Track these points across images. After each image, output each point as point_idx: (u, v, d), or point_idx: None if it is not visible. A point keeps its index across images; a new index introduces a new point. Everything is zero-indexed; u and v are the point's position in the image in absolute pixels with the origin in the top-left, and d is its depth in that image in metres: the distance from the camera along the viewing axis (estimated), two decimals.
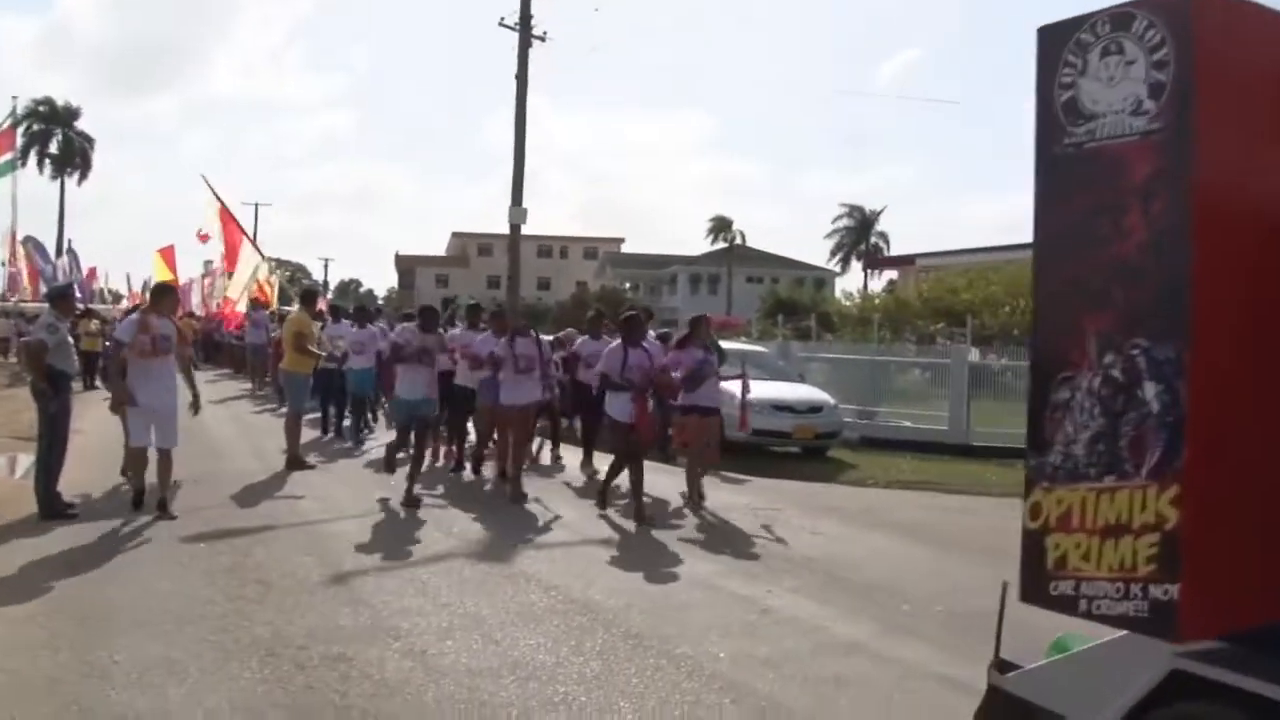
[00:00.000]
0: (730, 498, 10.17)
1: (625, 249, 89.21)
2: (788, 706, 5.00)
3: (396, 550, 8.23)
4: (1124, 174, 3.18)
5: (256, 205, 68.28)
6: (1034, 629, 3.76)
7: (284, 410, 13.83)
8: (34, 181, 66.58)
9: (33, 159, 65.83)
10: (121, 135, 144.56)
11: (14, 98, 37.75)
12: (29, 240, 35.93)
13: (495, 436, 12.19)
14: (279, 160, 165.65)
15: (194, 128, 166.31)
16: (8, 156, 30.61)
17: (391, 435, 13.39)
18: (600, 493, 10.29)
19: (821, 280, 74.69)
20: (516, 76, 23.42)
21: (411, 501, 10.11)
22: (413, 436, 10.65)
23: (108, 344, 14.68)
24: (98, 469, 10.75)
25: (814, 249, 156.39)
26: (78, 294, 17.84)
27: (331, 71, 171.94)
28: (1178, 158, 3.06)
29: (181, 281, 31.59)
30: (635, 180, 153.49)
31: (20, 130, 42.07)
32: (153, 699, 4.83)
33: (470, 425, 13.05)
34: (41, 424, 9.13)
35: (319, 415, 15.73)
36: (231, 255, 20.59)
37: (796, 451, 15.07)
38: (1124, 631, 3.30)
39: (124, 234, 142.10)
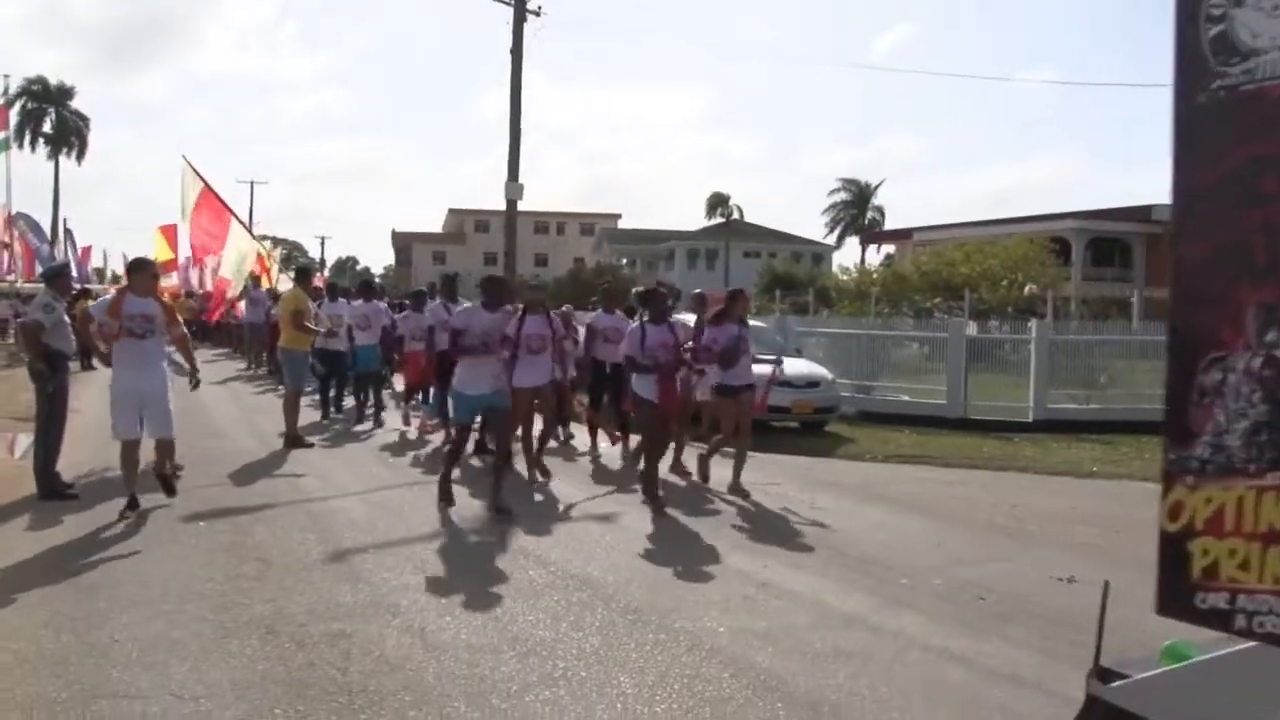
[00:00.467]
0: (728, 473, 10.18)
1: (622, 225, 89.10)
2: (787, 680, 5.02)
3: (395, 527, 8.25)
4: None
5: (252, 183, 68.38)
6: (1127, 632, 3.63)
7: (283, 389, 13.81)
8: (28, 162, 66.47)
9: (27, 139, 65.59)
10: (116, 113, 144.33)
11: (5, 76, 37.58)
12: (21, 217, 35.67)
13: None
14: (275, 137, 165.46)
15: (189, 105, 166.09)
16: (1, 135, 30.46)
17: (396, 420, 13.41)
18: (643, 483, 9.66)
19: (819, 255, 74.73)
20: (511, 51, 23.29)
21: (502, 508, 8.86)
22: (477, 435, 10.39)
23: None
24: (96, 449, 10.74)
25: (811, 224, 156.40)
26: (74, 273, 17.81)
27: (326, 47, 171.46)
28: None
29: (180, 260, 31.44)
30: (632, 156, 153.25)
31: (14, 110, 41.84)
32: (154, 677, 4.85)
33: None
34: (40, 404, 9.12)
35: (319, 397, 15.62)
36: (217, 237, 20.40)
37: (795, 426, 15.08)
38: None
39: (120, 212, 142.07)
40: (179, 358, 9.45)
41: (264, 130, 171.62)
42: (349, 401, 15.70)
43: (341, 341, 14.71)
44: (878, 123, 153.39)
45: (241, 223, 21.69)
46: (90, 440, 11.12)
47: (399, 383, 16.59)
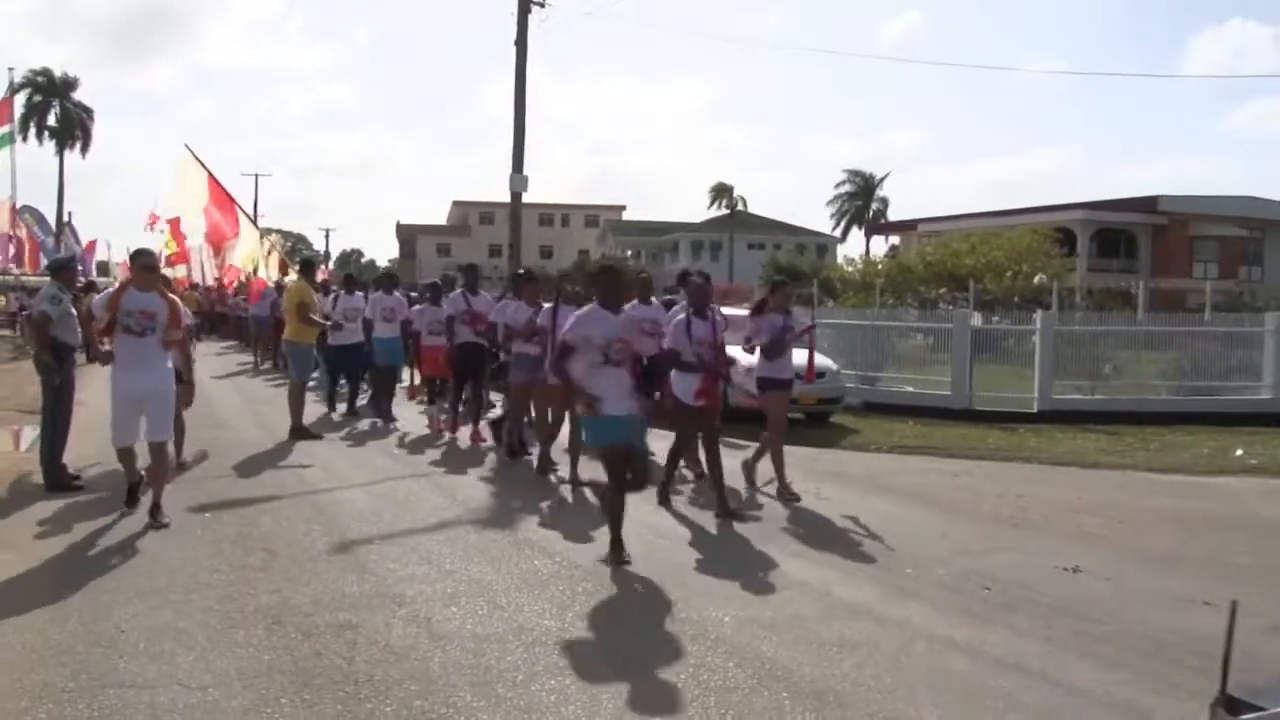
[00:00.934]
0: (733, 464, 10.17)
1: (627, 216, 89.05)
2: (792, 669, 5.03)
3: (401, 518, 8.27)
4: None
5: (256, 175, 68.68)
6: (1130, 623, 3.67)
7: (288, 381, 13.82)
8: (33, 154, 66.49)
9: (31, 131, 65.66)
10: (121, 105, 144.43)
11: (10, 69, 37.64)
12: (27, 210, 35.74)
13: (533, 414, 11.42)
14: (279, 130, 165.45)
15: (194, 98, 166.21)
16: (6, 128, 30.46)
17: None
18: (662, 486, 9.11)
19: (823, 246, 74.58)
20: (516, 43, 23.28)
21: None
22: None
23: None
24: (102, 441, 10.69)
25: (816, 215, 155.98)
26: (79, 266, 17.75)
27: (331, 40, 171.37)
28: None
29: (190, 250, 31.39)
30: (637, 147, 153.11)
31: (18, 102, 41.83)
32: (160, 667, 4.87)
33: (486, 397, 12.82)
34: (46, 396, 9.15)
35: (325, 391, 15.53)
36: (231, 224, 20.38)
37: (800, 417, 15.06)
38: None
39: (125, 205, 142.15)
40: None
41: (268, 123, 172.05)
42: (361, 399, 15.38)
43: (357, 335, 14.56)
44: (883, 114, 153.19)
45: (246, 214, 21.68)
46: (96, 432, 11.09)
47: (410, 378, 16.32)
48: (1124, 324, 19.04)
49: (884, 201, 78.43)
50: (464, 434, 12.74)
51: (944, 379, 17.35)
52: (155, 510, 7.89)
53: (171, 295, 8.38)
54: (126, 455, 8.14)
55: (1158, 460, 12.32)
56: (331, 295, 15.73)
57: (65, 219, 53.77)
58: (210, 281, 31.15)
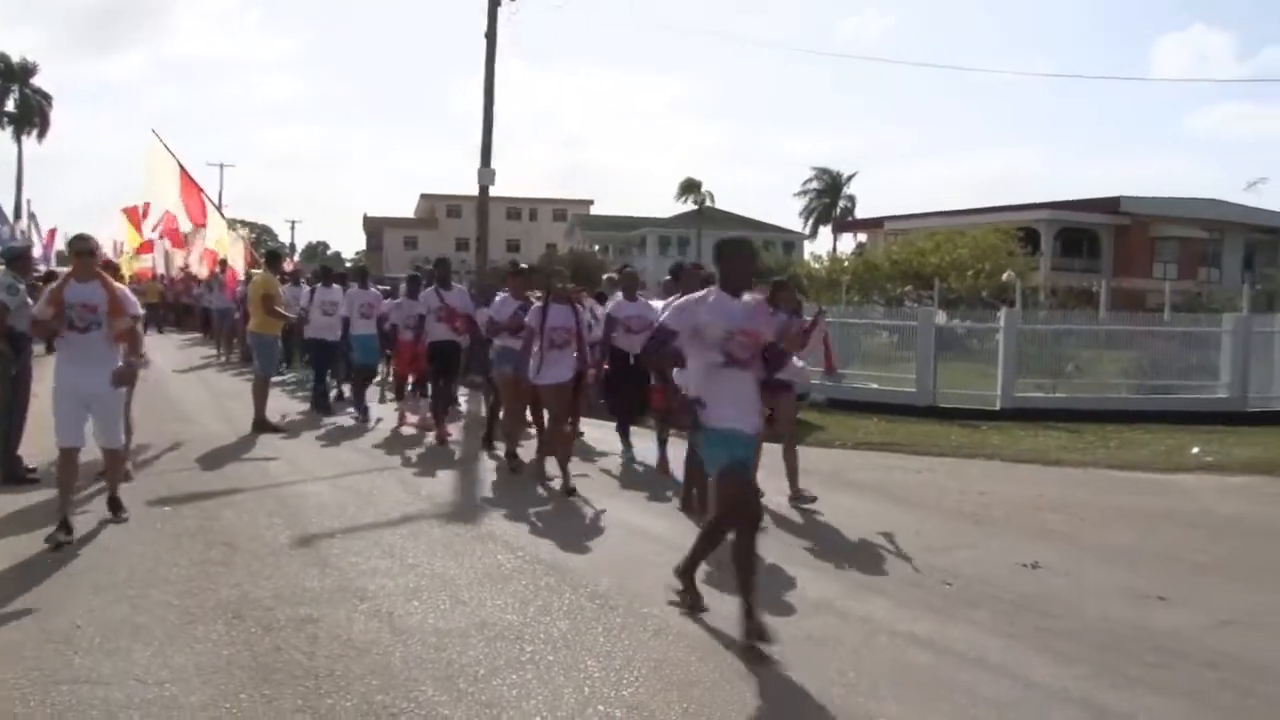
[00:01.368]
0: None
1: (594, 211, 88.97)
2: (756, 665, 5.04)
3: (364, 512, 8.22)
4: None
5: (221, 166, 67.76)
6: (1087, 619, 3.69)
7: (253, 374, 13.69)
8: None
9: None
10: (84, 94, 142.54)
11: None
12: None
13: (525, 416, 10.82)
14: (245, 121, 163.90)
15: (158, 87, 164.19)
16: None
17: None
18: (684, 498, 8.72)
19: (790, 243, 74.90)
20: (486, 36, 23.12)
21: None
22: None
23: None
24: None
25: (784, 212, 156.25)
26: (39, 255, 17.48)
27: (297, 32, 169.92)
28: None
29: (152, 238, 30.95)
30: (605, 142, 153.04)
31: None
32: (117, 663, 4.82)
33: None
34: (2, 387, 9.01)
35: (310, 390, 15.03)
36: (196, 213, 20.14)
37: (765, 413, 15.09)
38: None
39: (88, 194, 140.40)
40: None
41: (234, 114, 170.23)
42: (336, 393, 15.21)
43: (336, 329, 14.24)
44: (852, 112, 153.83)
45: (212, 203, 21.44)
46: (52, 424, 10.98)
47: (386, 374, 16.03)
48: (1086, 323, 19.21)
49: (851, 199, 78.82)
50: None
51: (908, 376, 17.42)
52: (113, 503, 7.71)
53: (114, 283, 7.56)
54: (68, 463, 7.24)
55: (1117, 458, 12.44)
56: (309, 288, 15.38)
57: (25, 206, 52.91)
58: (175, 273, 30.73)
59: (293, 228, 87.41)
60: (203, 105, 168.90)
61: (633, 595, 6.15)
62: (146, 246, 28.96)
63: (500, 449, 10.86)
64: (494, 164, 23.14)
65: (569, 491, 9.11)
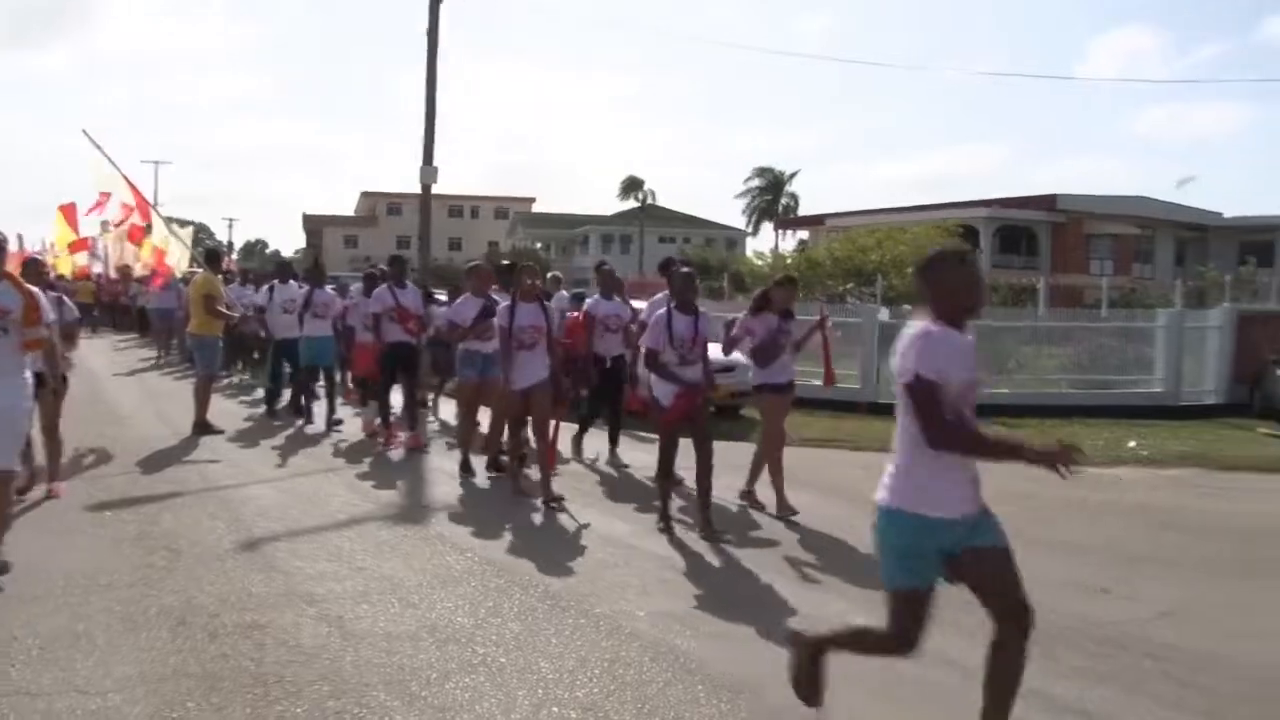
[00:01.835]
0: (645, 457, 10.18)
1: (537, 209, 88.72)
2: (707, 662, 5.05)
3: (310, 514, 8.12)
4: None
5: (156, 164, 66.66)
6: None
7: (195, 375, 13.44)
8: None
9: None
10: (15, 93, 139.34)
11: None
12: None
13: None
14: (181, 119, 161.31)
15: (92, 86, 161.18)
16: None
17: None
18: (660, 509, 8.17)
19: (733, 240, 75.29)
20: (427, 33, 22.93)
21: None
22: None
23: None
24: None
25: (726, 209, 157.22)
26: None
27: (237, 26, 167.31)
28: None
29: (89, 237, 30.24)
30: (548, 140, 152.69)
31: None
32: (57, 673, 4.71)
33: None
34: None
35: (270, 395, 14.30)
36: (142, 209, 19.75)
37: (711, 410, 15.13)
38: None
39: (23, 195, 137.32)
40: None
41: (170, 112, 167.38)
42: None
43: (295, 328, 13.47)
44: (794, 110, 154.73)
45: (148, 202, 21.03)
46: None
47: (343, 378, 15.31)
48: (1027, 319, 19.50)
49: (794, 197, 79.33)
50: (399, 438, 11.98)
51: (852, 373, 17.58)
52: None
53: (29, 286, 6.46)
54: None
55: None
56: (267, 285, 14.84)
57: None
58: (113, 272, 30.08)
59: (230, 226, 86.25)
60: (137, 102, 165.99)
61: (583, 595, 6.15)
62: (80, 244, 28.33)
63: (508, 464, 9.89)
64: (436, 162, 23.00)
65: (551, 501, 8.62)
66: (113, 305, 31.89)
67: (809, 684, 4.37)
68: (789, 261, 40.29)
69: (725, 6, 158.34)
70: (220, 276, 13.59)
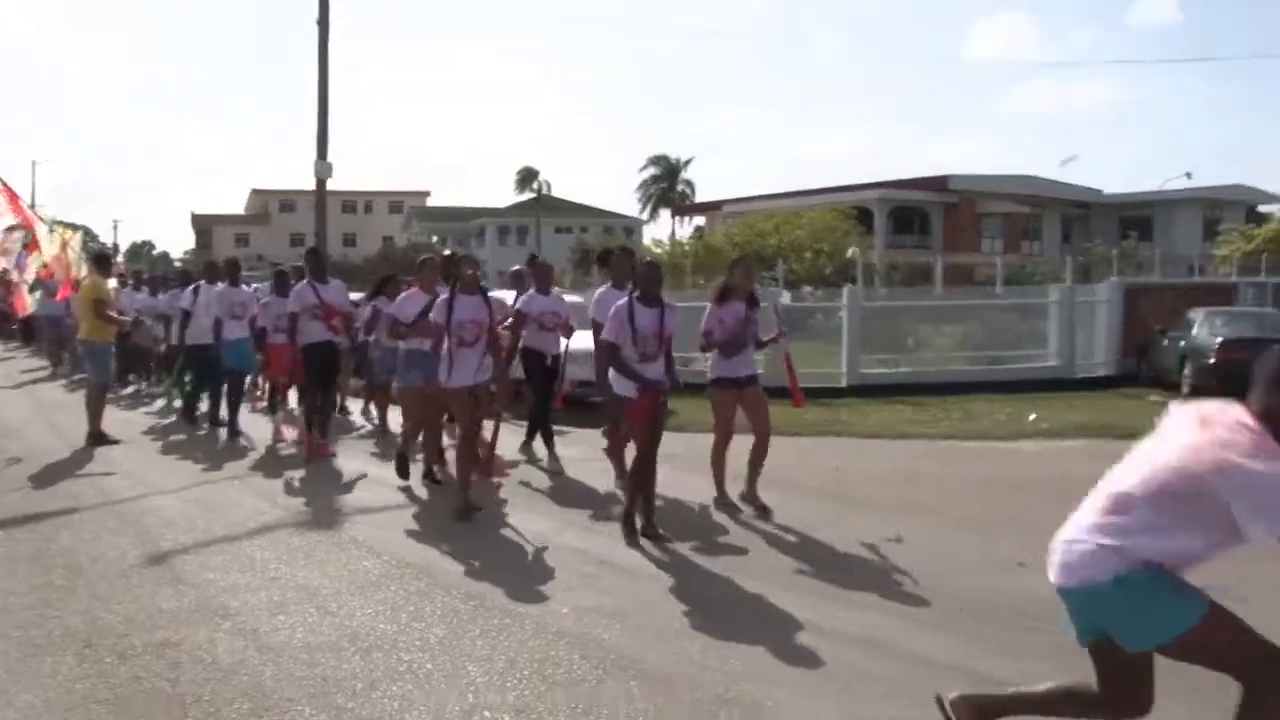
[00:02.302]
0: (565, 450, 10.13)
1: (431, 203, 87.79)
2: (638, 657, 5.00)
3: (217, 524, 7.86)
4: None
5: (34, 162, 64.20)
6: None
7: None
8: None
9: None
10: None
11: None
12: None
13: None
14: (61, 113, 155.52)
15: None
16: None
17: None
18: (626, 515, 7.52)
19: (630, 228, 75.35)
20: (318, 23, 22.41)
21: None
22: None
23: None
24: None
25: (622, 197, 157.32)
26: None
27: (119, 18, 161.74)
28: None
29: None
30: (441, 132, 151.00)
31: None
32: None
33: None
34: None
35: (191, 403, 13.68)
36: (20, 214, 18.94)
37: (601, 400, 15.10)
38: None
39: None
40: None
41: (49, 106, 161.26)
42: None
43: (208, 333, 12.61)
44: (688, 96, 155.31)
45: (27, 205, 20.21)
46: None
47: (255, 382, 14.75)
48: (927, 299, 19.90)
49: (689, 184, 79.72)
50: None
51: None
52: None
53: None
54: None
55: (961, 428, 12.91)
56: (191, 286, 14.06)
57: None
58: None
59: (115, 226, 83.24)
60: (13, 97, 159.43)
61: (508, 595, 6.05)
62: None
63: (442, 476, 9.50)
64: (330, 156, 22.56)
65: (468, 512, 8.02)
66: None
67: None
68: (688, 248, 40.52)
69: None
70: (114, 280, 13.09)
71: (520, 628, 5.46)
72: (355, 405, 14.40)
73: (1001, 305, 19.33)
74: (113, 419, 12.61)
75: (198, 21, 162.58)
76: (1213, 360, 15.21)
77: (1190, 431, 3.24)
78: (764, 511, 8.16)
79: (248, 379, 13.69)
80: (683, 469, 9.55)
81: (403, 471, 9.38)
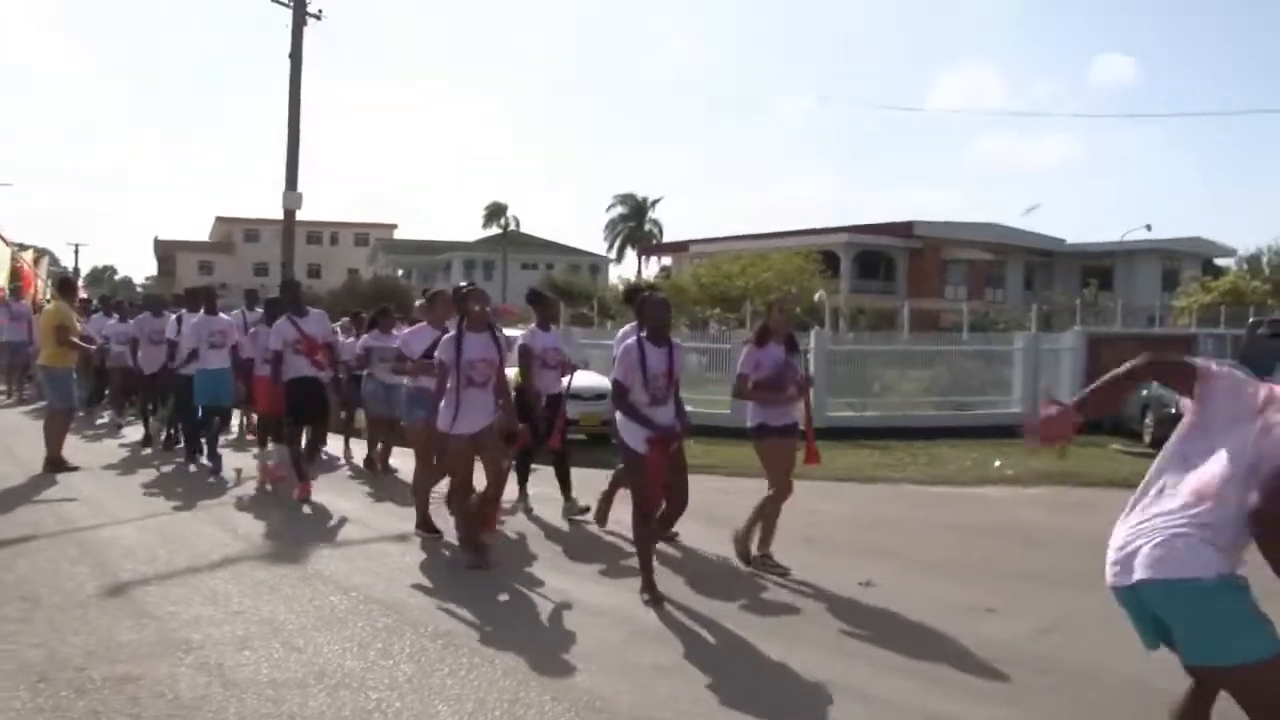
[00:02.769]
0: (548, 490, 10.09)
1: (398, 235, 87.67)
2: (610, 698, 4.94)
3: (180, 556, 7.73)
4: None
5: None
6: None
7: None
8: None
9: None
10: None
11: None
12: None
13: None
14: (22, 137, 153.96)
15: None
16: None
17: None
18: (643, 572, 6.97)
19: (596, 266, 75.70)
20: (290, 56, 22.45)
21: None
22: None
23: None
24: None
25: (590, 236, 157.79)
26: None
27: (88, 41, 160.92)
28: None
29: None
30: (411, 166, 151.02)
31: None
32: None
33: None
34: None
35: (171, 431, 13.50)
36: None
37: (583, 439, 15.06)
38: None
39: None
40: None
41: (9, 129, 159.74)
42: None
43: (190, 364, 12.22)
44: (656, 138, 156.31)
45: None
46: None
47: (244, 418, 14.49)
48: (895, 343, 20.05)
49: (657, 224, 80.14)
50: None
51: (722, 398, 17.69)
52: None
53: None
54: None
55: (928, 473, 12.96)
56: (174, 315, 13.77)
57: None
58: None
59: (76, 251, 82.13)
60: None
61: (478, 633, 5.99)
62: None
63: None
64: (299, 187, 22.49)
65: (481, 564, 7.65)
66: None
67: None
68: (654, 287, 40.64)
69: (596, 37, 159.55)
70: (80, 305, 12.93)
71: (490, 667, 5.39)
72: (335, 441, 14.11)
73: (967, 351, 19.50)
74: (73, 445, 12.43)
75: (163, 48, 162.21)
76: (1174, 410, 15.37)
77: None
78: (786, 573, 7.66)
79: (235, 417, 13.26)
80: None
81: (426, 526, 8.66)
